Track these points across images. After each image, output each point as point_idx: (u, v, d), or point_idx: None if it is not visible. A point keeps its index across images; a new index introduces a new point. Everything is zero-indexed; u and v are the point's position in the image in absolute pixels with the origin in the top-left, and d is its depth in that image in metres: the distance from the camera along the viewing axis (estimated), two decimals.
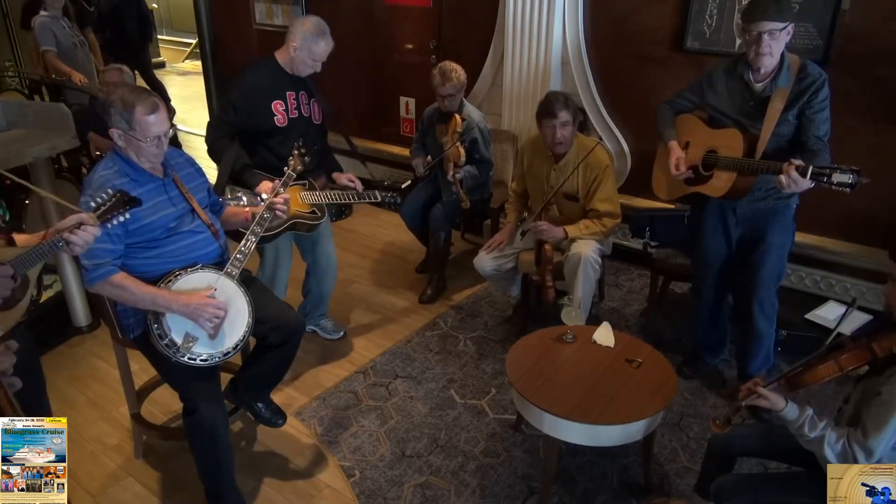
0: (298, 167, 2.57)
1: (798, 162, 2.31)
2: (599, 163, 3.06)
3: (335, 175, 3.13)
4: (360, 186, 3.02)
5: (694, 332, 3.08)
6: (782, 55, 2.48)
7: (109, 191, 1.85)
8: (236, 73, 3.01)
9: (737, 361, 3.06)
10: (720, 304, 2.98)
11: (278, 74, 2.88)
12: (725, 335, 3.06)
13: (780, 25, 2.39)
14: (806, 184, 2.30)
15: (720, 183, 2.63)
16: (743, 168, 2.54)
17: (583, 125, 3.57)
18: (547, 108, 2.98)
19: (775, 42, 2.41)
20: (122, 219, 1.85)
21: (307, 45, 2.80)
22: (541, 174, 3.20)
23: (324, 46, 2.83)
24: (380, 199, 3.06)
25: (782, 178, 2.33)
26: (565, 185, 3.10)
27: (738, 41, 3.46)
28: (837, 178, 2.24)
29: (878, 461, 1.72)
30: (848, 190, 2.24)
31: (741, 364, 2.99)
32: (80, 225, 1.73)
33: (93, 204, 1.82)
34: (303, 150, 2.59)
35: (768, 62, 2.46)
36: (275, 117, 2.85)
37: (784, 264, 2.78)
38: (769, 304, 2.80)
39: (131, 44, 6.35)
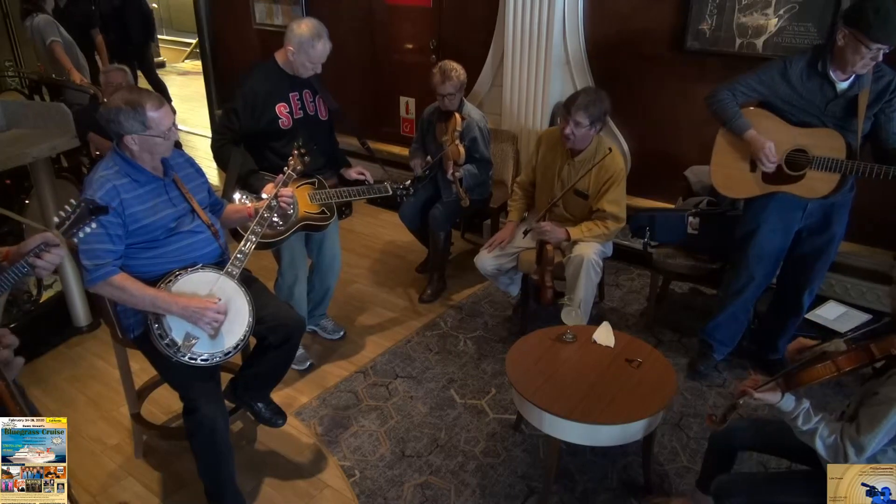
0: (298, 167, 2.56)
1: None
2: (615, 164, 3.06)
3: (344, 171, 3.12)
4: (370, 178, 3.01)
5: (710, 326, 3.06)
6: None
7: (73, 202, 1.75)
8: (237, 73, 3.00)
9: (763, 345, 3.14)
10: (754, 300, 2.98)
11: (279, 76, 2.86)
12: (740, 332, 3.06)
13: None
14: None
15: (819, 184, 2.60)
16: (858, 172, 2.50)
17: None
18: (568, 103, 2.98)
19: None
20: (88, 230, 1.75)
21: (304, 49, 2.78)
22: (554, 166, 3.19)
23: (321, 49, 2.80)
24: (391, 191, 3.05)
25: None
26: (577, 182, 3.10)
27: (739, 41, 3.46)
28: None
29: (874, 459, 1.72)
30: None
31: (770, 345, 3.10)
32: (44, 246, 1.62)
33: (56, 220, 1.73)
34: (303, 150, 2.58)
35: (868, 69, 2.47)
36: (279, 120, 2.85)
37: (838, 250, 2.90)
38: (818, 286, 2.94)
39: (135, 44, 6.36)
